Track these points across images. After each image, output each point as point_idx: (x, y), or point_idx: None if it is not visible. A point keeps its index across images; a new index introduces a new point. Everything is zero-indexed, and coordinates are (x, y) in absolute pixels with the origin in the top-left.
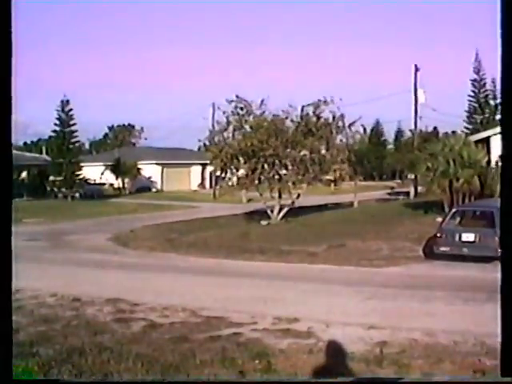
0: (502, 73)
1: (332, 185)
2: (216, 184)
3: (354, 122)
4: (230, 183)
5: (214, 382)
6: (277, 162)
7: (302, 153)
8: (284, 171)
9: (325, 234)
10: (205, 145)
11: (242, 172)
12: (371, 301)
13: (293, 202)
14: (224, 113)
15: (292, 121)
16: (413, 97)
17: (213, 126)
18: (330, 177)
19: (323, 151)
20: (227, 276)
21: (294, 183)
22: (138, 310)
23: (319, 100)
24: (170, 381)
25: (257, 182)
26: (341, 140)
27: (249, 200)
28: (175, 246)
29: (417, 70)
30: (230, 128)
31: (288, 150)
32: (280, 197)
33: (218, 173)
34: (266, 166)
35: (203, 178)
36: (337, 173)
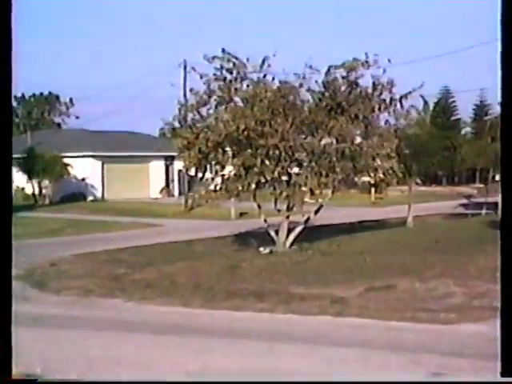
0: (502, 72)
1: (372, 191)
2: (189, 189)
3: (409, 93)
4: (211, 188)
5: (214, 382)
6: (285, 155)
7: (324, 141)
8: (296, 169)
9: (360, 268)
10: (172, 128)
11: (230, 170)
12: None
13: (309, 218)
14: (202, 77)
15: (310, 91)
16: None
17: (184, 97)
18: (368, 179)
19: (358, 139)
20: (205, 337)
21: (311, 189)
22: None
23: (355, 59)
24: (170, 381)
25: (253, 186)
26: (387, 122)
27: (241, 214)
28: (124, 286)
29: None
30: (212, 101)
31: (303, 137)
32: (290, 209)
33: (193, 172)
34: (267, 161)
35: (169, 180)
36: (379, 173)
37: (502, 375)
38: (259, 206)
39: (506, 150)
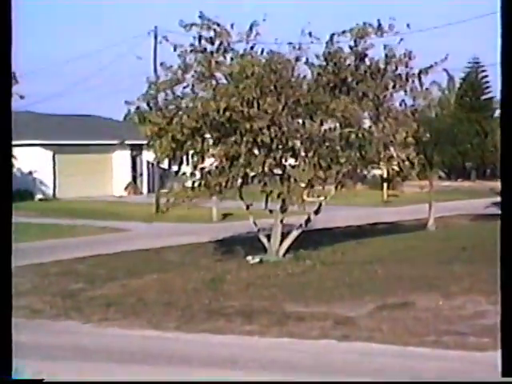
0: (502, 72)
1: (384, 188)
2: (161, 186)
3: (430, 67)
4: (188, 184)
5: (213, 382)
6: (277, 142)
7: (325, 126)
8: (291, 160)
9: (370, 281)
10: (138, 110)
11: (211, 162)
12: None
13: (308, 220)
14: (176, 49)
15: (308, 64)
16: None
17: (155, 73)
18: (380, 172)
19: (368, 123)
20: (180, 367)
21: (310, 183)
22: None
23: (366, 24)
24: (170, 381)
25: (239, 181)
26: (403, 102)
27: (224, 216)
28: (80, 305)
29: None
30: (189, 78)
31: (299, 121)
32: (284, 210)
33: (165, 164)
34: (256, 150)
35: (136, 175)
36: (393, 164)
37: (503, 375)
38: (247, 206)
39: (506, 150)
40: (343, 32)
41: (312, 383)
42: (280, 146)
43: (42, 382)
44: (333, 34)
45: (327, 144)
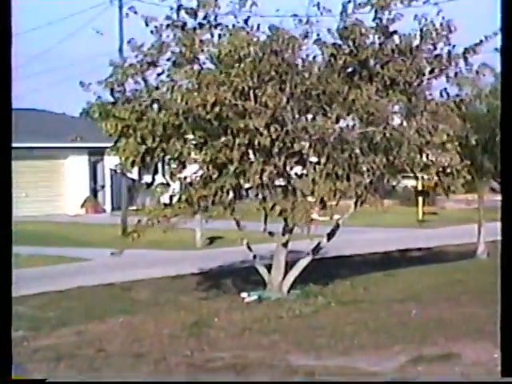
0: (502, 72)
1: (420, 203)
2: (130, 201)
3: (479, 44)
4: (164, 199)
5: (214, 382)
6: (280, 144)
7: (342, 123)
8: (298, 168)
9: (402, 326)
10: (99, 101)
11: (194, 171)
12: None
13: (319, 246)
14: (149, 23)
15: (320, 42)
16: None
17: (120, 53)
18: (414, 183)
19: (397, 119)
20: None
21: (321, 198)
22: None
23: None
24: (170, 381)
25: (231, 194)
26: (444, 91)
27: (211, 240)
28: (21, 359)
29: None
30: (165, 60)
31: (308, 118)
32: (288, 232)
33: (135, 173)
34: (252, 154)
35: (96, 187)
36: (431, 173)
37: (502, 375)
38: (240, 227)
39: (506, 150)
40: (359, 4)
41: (312, 383)
42: (283, 150)
43: (43, 382)
44: (348, 2)
45: (344, 147)
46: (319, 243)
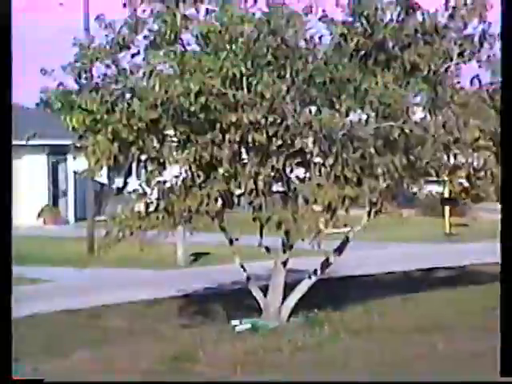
0: (502, 72)
1: (446, 213)
2: (98, 210)
3: None
4: (139, 207)
5: (214, 381)
6: (279, 142)
7: (354, 117)
8: (300, 171)
9: (424, 362)
10: (61, 89)
11: (175, 174)
12: None
13: (326, 263)
14: None
15: (327, 20)
16: None
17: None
18: (439, 189)
19: (420, 112)
20: None
21: (329, 206)
22: None
23: None
24: (170, 381)
25: (219, 202)
26: (475, 79)
27: (196, 257)
28: None
29: None
30: (141, 41)
31: (312, 110)
32: (289, 247)
33: (104, 176)
34: (245, 153)
35: (57, 193)
36: (460, 176)
37: (502, 375)
38: (231, 241)
39: (506, 150)
40: None
41: (312, 383)
42: (282, 149)
43: (42, 382)
44: None
45: (356, 145)
46: (326, 260)
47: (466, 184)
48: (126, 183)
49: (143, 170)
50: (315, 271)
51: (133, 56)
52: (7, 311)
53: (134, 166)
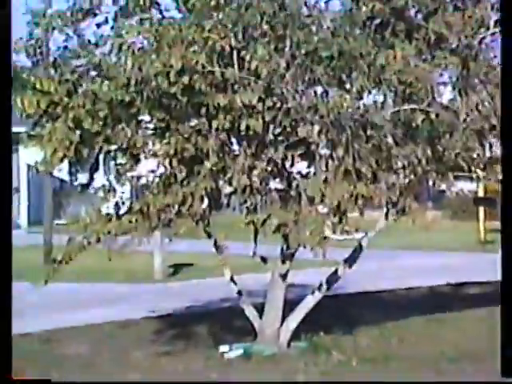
0: (502, 72)
1: (481, 216)
2: (58, 212)
3: None
4: (107, 208)
5: (214, 382)
6: (277, 129)
7: (368, 99)
8: (302, 165)
9: None
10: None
11: (151, 168)
12: None
13: (335, 277)
14: None
15: None
16: None
17: None
18: (472, 186)
19: (448, 93)
20: None
21: (338, 207)
22: None
23: None
24: (169, 381)
25: (205, 202)
26: None
27: (175, 268)
28: None
29: None
30: (110, 7)
31: (317, 91)
32: (289, 256)
33: (64, 171)
34: (236, 143)
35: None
36: (497, 172)
37: (502, 375)
38: (219, 249)
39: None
40: None
41: (312, 383)
42: (281, 138)
43: (45, 382)
44: None
45: (370, 133)
46: (334, 273)
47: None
48: (91, 179)
49: (112, 163)
50: (321, 286)
51: (99, 25)
52: (7, 311)
53: (101, 159)
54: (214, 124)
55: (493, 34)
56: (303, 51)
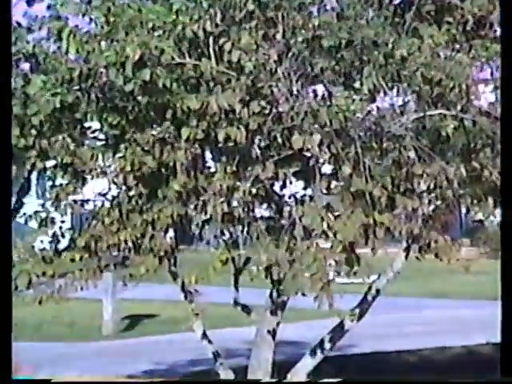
0: (502, 72)
1: None
2: None
3: None
4: (42, 242)
5: (214, 381)
6: (264, 141)
7: (380, 102)
8: (298, 185)
9: None
10: None
11: (100, 191)
12: None
13: (340, 331)
14: None
15: None
16: None
17: None
18: None
19: (487, 93)
20: None
21: (343, 241)
22: None
23: None
24: (170, 381)
25: (171, 233)
26: None
27: (132, 321)
28: None
29: None
30: None
31: (316, 90)
32: (279, 306)
33: None
34: (211, 158)
35: None
36: None
37: (502, 374)
38: (187, 295)
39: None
40: None
41: (312, 383)
42: (270, 151)
43: (45, 382)
44: None
45: (386, 145)
46: (339, 326)
47: None
48: (20, 204)
49: (49, 184)
50: (322, 343)
51: (30, 2)
52: (7, 311)
53: (33, 178)
54: (184, 133)
55: None
56: (300, 39)
